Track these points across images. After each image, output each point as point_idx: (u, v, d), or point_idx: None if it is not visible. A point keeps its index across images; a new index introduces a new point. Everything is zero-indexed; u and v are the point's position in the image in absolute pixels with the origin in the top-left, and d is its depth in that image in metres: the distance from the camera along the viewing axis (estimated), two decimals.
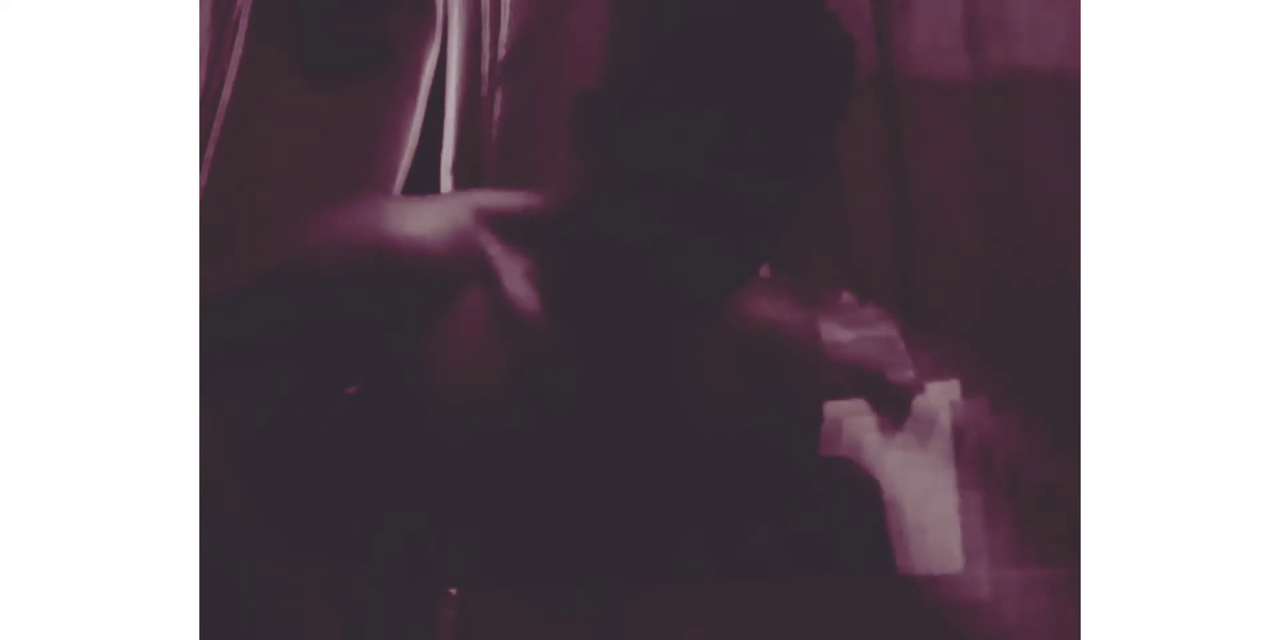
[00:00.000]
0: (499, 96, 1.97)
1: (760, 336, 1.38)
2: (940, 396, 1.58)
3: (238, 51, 1.96)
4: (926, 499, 1.53)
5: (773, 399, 1.37)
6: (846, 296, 1.69)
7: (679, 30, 1.24)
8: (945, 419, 1.56)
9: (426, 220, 1.29)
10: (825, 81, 1.26)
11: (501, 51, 1.98)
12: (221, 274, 1.25)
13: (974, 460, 1.54)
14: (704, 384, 1.34)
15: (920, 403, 1.59)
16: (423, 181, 1.99)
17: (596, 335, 1.30)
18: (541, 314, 1.28)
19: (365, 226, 1.27)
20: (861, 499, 1.50)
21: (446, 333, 1.26)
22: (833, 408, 1.53)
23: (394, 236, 1.26)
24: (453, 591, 1.09)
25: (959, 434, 1.55)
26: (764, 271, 1.72)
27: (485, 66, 1.99)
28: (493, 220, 1.30)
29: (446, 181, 1.99)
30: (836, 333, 1.59)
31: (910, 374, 1.60)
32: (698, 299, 1.32)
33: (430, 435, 1.26)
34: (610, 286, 1.29)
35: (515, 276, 1.28)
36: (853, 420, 1.58)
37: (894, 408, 1.59)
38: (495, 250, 1.29)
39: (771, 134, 1.23)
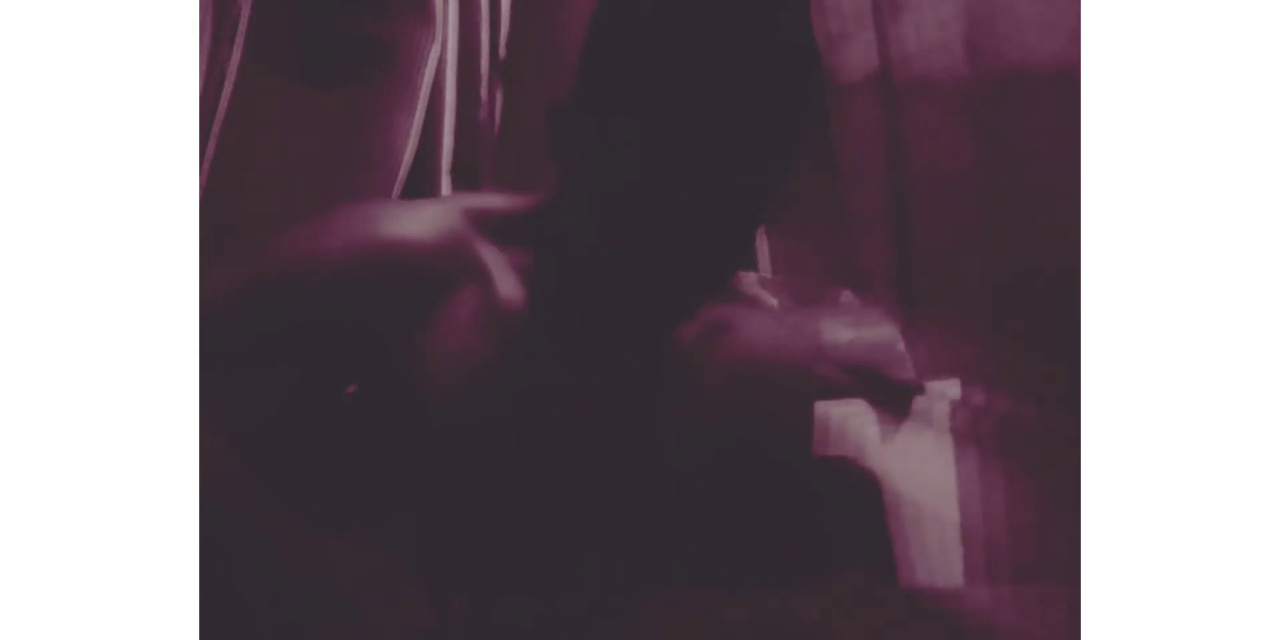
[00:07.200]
0: (498, 97, 1.97)
1: (757, 343, 1.39)
2: (940, 396, 1.58)
3: (238, 51, 1.96)
4: (927, 497, 1.53)
5: (766, 400, 1.38)
6: (847, 296, 1.69)
7: (643, 40, 1.25)
8: (945, 418, 1.56)
9: (419, 222, 1.30)
10: (785, 89, 1.26)
11: (501, 52, 1.98)
12: (219, 279, 1.26)
13: (974, 458, 1.55)
14: (696, 386, 1.34)
15: (920, 402, 1.59)
16: (422, 182, 1.99)
17: (586, 334, 1.31)
18: (532, 313, 1.29)
19: (359, 230, 1.29)
20: (861, 497, 1.50)
21: (441, 333, 1.27)
22: (833, 408, 1.53)
23: (388, 239, 1.28)
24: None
25: (959, 432, 1.55)
26: (765, 271, 1.72)
27: (484, 67, 1.99)
28: (481, 221, 1.32)
29: (446, 182, 1.99)
30: (837, 332, 1.59)
31: (910, 373, 1.60)
32: (680, 298, 1.33)
33: (427, 433, 1.27)
34: (594, 286, 1.30)
35: (506, 277, 1.30)
36: (852, 420, 1.58)
37: (894, 407, 1.59)
38: (486, 251, 1.30)
39: (735, 141, 1.24)
